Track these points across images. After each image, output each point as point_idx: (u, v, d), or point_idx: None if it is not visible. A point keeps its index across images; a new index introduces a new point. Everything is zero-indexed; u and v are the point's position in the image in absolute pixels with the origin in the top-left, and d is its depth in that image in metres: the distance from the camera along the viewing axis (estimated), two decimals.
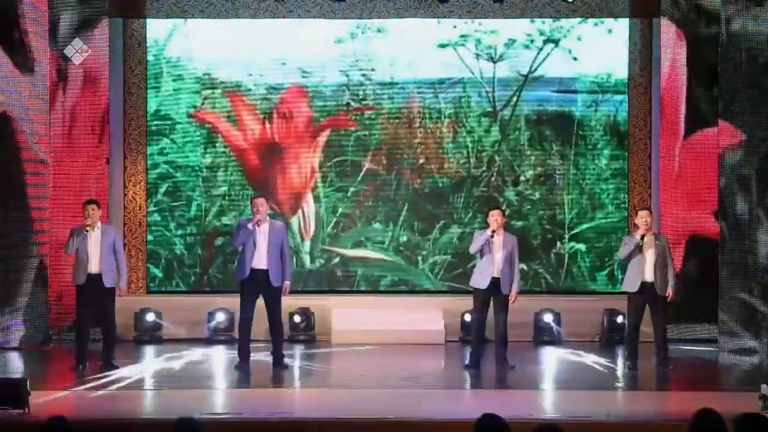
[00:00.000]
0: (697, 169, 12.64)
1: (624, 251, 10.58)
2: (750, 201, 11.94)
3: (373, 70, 13.57)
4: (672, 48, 12.75)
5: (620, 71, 13.54)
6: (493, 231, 10.40)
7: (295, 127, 13.62)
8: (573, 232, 13.60)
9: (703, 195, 12.63)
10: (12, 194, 12.17)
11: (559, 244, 13.61)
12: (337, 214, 13.65)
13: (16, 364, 11.04)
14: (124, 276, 10.57)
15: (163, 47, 13.58)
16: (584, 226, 13.63)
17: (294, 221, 13.58)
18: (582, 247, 13.61)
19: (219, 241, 13.55)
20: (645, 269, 10.45)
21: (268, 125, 13.60)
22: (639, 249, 10.42)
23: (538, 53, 13.56)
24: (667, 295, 10.44)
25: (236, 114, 13.59)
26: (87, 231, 10.34)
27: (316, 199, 13.62)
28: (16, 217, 12.16)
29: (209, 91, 13.59)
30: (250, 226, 10.32)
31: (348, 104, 13.59)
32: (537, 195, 13.61)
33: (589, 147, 13.61)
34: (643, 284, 10.43)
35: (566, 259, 13.60)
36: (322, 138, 13.61)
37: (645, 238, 10.37)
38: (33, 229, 12.25)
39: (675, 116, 12.79)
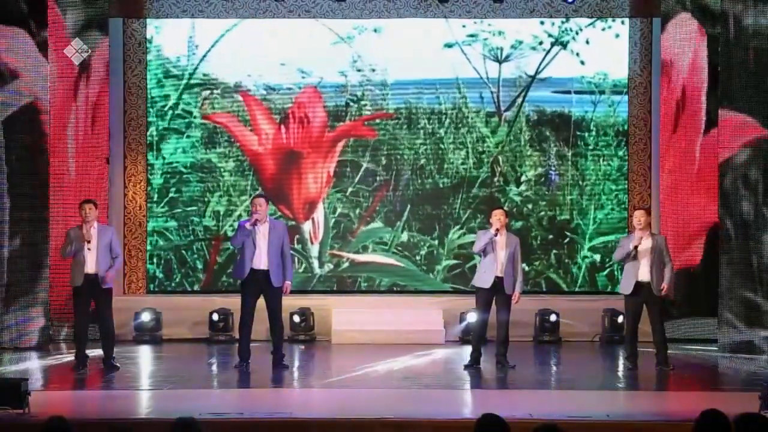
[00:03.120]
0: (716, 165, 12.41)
1: (617, 255, 10.63)
2: (755, 201, 11.94)
3: (373, 70, 13.57)
4: (693, 44, 12.62)
5: (620, 71, 13.54)
6: (497, 230, 10.39)
7: (310, 130, 13.61)
8: (573, 232, 13.61)
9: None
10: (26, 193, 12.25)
11: (559, 244, 13.61)
12: (337, 215, 13.65)
13: (17, 364, 11.02)
14: (113, 272, 10.41)
15: (163, 47, 13.58)
16: (584, 226, 13.63)
17: (305, 226, 13.59)
18: (582, 247, 13.61)
19: (224, 243, 13.54)
20: (639, 270, 10.43)
21: (284, 129, 13.58)
22: (635, 249, 10.41)
23: (545, 55, 13.54)
24: (661, 288, 10.39)
25: (250, 115, 13.58)
26: (85, 244, 10.23)
27: (323, 201, 13.64)
28: (27, 217, 12.20)
29: (208, 92, 13.59)
30: (248, 225, 10.30)
31: (347, 104, 13.60)
32: (538, 195, 13.61)
33: (589, 147, 13.61)
34: (638, 285, 10.41)
35: (566, 260, 13.60)
36: (340, 146, 13.60)
37: (638, 248, 10.36)
38: (48, 227, 12.29)
39: (696, 113, 12.64)
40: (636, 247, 10.35)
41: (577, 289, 13.57)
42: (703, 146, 12.60)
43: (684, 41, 12.62)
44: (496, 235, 10.42)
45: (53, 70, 12.46)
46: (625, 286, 10.51)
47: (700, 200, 12.64)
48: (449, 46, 13.56)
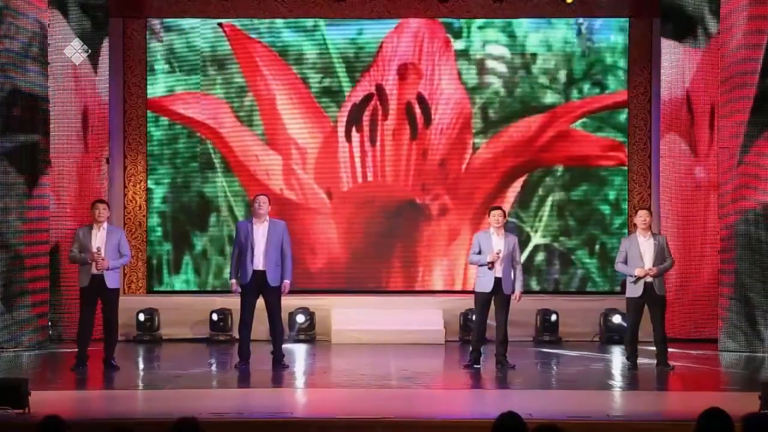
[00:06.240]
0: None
1: (619, 269, 10.59)
2: (758, 200, 11.93)
3: (371, 71, 13.57)
4: (696, 58, 12.64)
5: (620, 71, 13.54)
6: (492, 264, 10.33)
7: (317, 132, 13.62)
8: (572, 232, 13.62)
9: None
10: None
11: (558, 244, 13.62)
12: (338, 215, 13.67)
13: (17, 364, 11.03)
14: (114, 263, 10.33)
15: (163, 47, 13.59)
16: (584, 226, 13.64)
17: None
18: (582, 247, 13.62)
19: (225, 245, 13.56)
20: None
21: (288, 128, 13.60)
22: (639, 256, 10.37)
23: (542, 54, 13.57)
24: (653, 266, 10.31)
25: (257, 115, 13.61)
26: (93, 261, 10.23)
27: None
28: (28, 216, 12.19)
29: (209, 92, 13.59)
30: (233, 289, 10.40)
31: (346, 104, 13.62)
32: (537, 195, 13.62)
33: (590, 147, 13.61)
34: (643, 285, 10.40)
35: (566, 260, 13.61)
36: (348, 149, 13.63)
37: (641, 251, 10.33)
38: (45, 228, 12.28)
39: (706, 118, 12.67)
40: (639, 278, 10.32)
41: (576, 289, 13.58)
42: (706, 169, 12.65)
43: (693, 51, 12.64)
44: (491, 268, 10.36)
45: (53, 70, 12.46)
46: (633, 291, 10.42)
47: (706, 222, 12.65)
48: (450, 45, 13.55)
